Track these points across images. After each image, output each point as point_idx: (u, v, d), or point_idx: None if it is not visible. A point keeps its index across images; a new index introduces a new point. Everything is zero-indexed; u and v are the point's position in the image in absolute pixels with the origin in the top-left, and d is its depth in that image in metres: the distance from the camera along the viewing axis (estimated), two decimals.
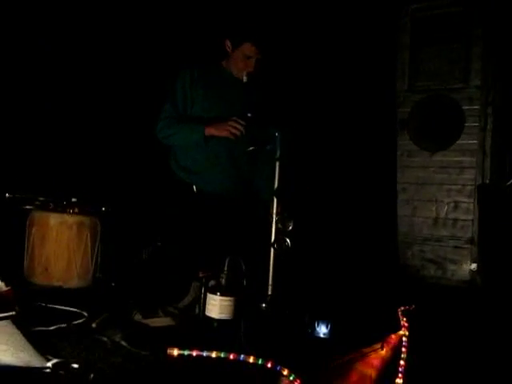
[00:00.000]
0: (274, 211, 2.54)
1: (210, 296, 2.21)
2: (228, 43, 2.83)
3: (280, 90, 3.24)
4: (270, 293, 2.50)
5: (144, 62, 3.67)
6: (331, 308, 2.60)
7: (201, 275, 2.55)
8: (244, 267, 2.33)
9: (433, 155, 4.36)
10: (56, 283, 2.90)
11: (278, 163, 2.57)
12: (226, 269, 2.27)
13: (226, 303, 2.19)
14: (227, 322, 2.20)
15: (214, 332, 2.18)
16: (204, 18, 3.76)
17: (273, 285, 2.50)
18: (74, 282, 2.93)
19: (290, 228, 2.53)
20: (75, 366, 1.55)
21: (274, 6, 3.75)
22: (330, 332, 2.28)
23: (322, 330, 2.29)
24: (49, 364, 1.39)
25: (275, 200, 2.55)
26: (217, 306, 2.18)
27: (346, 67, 4.37)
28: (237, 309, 2.24)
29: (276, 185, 2.57)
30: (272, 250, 2.51)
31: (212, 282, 2.45)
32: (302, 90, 4.12)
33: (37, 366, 1.42)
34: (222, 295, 2.20)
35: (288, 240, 2.52)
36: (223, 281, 2.25)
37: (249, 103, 2.84)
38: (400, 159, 4.50)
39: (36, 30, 3.29)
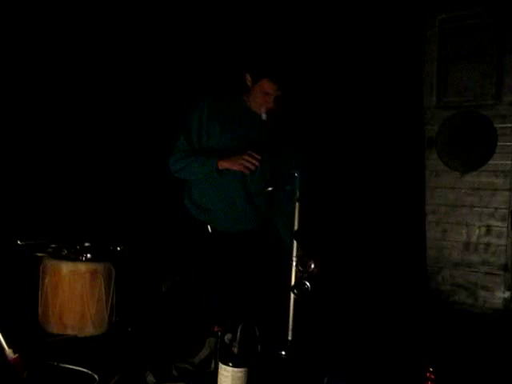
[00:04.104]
0: (294, 254, 2.44)
1: (221, 367, 2.10)
2: (248, 77, 2.66)
3: (302, 128, 3.07)
4: (289, 338, 2.41)
5: (161, 95, 3.56)
6: (350, 363, 2.49)
7: (216, 329, 2.47)
8: (258, 333, 2.23)
9: (463, 176, 4.15)
10: (71, 332, 2.86)
11: (297, 204, 2.47)
12: (238, 337, 2.16)
13: (239, 374, 2.08)
14: None
15: None
16: (226, 49, 3.61)
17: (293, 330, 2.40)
18: (88, 331, 2.90)
19: (311, 269, 2.43)
20: None
21: (294, 38, 3.58)
22: None
23: None
24: None
25: (295, 242, 2.44)
26: (229, 378, 2.08)
27: (370, 83, 4.19)
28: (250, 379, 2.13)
29: (296, 227, 2.46)
30: (292, 294, 2.40)
31: (228, 336, 2.35)
32: (324, 120, 3.96)
33: None
34: (234, 366, 2.08)
35: (308, 283, 2.42)
36: (236, 350, 2.14)
37: (268, 142, 2.70)
38: (428, 179, 4.28)
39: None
